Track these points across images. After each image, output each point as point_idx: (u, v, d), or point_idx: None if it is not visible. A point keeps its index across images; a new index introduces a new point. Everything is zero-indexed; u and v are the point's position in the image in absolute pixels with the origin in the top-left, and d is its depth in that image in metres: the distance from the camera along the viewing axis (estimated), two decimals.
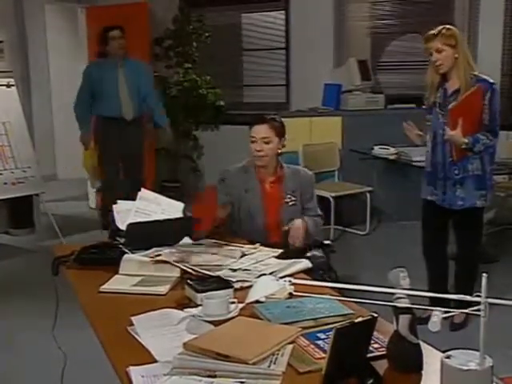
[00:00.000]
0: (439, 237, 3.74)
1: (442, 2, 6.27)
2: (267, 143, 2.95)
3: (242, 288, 2.05)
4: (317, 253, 2.94)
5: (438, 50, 3.32)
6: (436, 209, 3.60)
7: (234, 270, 2.20)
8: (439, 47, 3.32)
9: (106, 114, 5.35)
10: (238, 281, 2.09)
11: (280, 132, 3.01)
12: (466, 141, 3.30)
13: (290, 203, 3.00)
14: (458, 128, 3.27)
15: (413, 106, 5.89)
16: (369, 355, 1.53)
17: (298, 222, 2.88)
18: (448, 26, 3.38)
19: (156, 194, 2.88)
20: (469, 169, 3.44)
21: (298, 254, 2.62)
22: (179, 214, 2.78)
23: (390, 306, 1.50)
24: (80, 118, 5.44)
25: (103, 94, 5.31)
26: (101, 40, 5.35)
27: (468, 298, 1.37)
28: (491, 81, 3.37)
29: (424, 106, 3.62)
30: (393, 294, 1.51)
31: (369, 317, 1.50)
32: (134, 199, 2.72)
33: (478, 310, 1.30)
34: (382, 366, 1.50)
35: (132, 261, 2.28)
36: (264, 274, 2.09)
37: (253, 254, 2.42)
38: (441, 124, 3.44)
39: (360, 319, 1.49)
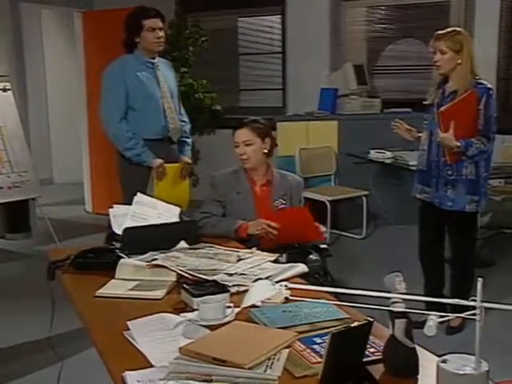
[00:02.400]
0: (435, 238, 3.75)
1: (438, 6, 6.29)
2: (249, 145, 2.98)
3: (238, 292, 2.05)
4: (313, 257, 2.95)
5: (442, 51, 3.36)
6: (430, 208, 3.63)
7: (230, 275, 2.20)
8: (443, 49, 3.35)
9: (147, 136, 3.82)
10: (234, 285, 2.09)
11: (262, 133, 3.03)
12: (458, 144, 3.31)
13: (280, 206, 3.03)
14: (449, 131, 3.29)
15: (409, 110, 5.92)
16: (365, 359, 1.53)
17: None
18: (459, 30, 3.42)
19: (152, 199, 2.88)
20: (463, 172, 3.45)
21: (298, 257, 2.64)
22: (176, 219, 2.78)
23: (385, 310, 1.50)
24: (128, 140, 3.75)
25: (143, 106, 3.80)
26: (131, 28, 3.80)
27: (464, 302, 1.37)
28: (489, 86, 3.40)
29: (425, 102, 3.60)
30: (389, 298, 1.51)
31: (365, 321, 1.50)
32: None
33: (474, 315, 1.30)
34: (377, 371, 1.50)
35: (128, 265, 2.28)
36: (260, 279, 2.09)
37: (249, 258, 2.42)
38: (436, 124, 3.45)
39: (356, 323, 1.49)
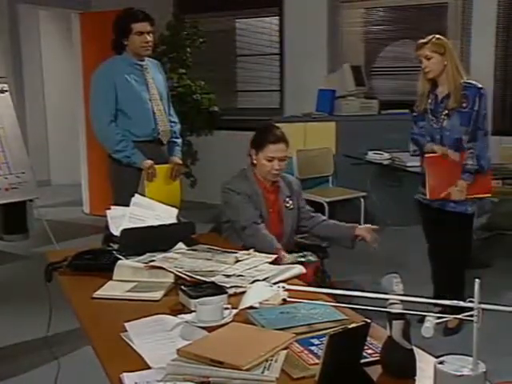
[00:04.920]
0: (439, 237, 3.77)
1: (435, 8, 6.30)
2: (283, 160, 2.98)
3: (235, 294, 2.04)
4: (311, 258, 2.96)
5: (427, 57, 3.46)
6: (425, 208, 3.67)
7: (228, 276, 2.19)
8: (428, 54, 3.46)
9: (137, 138, 3.81)
10: (231, 286, 2.09)
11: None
12: (464, 184, 3.45)
13: (290, 207, 3.09)
14: (446, 192, 3.47)
15: (406, 111, 5.91)
16: (362, 361, 1.53)
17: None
18: (438, 36, 3.53)
19: (150, 200, 2.88)
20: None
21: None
22: (173, 220, 2.78)
23: (383, 311, 1.51)
24: (118, 142, 3.75)
25: (132, 108, 3.79)
26: (119, 31, 3.80)
27: (461, 303, 1.37)
28: (479, 86, 3.47)
29: (414, 113, 3.70)
30: (386, 299, 1.51)
31: (362, 322, 1.50)
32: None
33: (471, 316, 1.30)
34: (375, 372, 1.50)
35: (126, 267, 2.28)
36: (258, 280, 2.09)
37: (247, 259, 2.42)
38: (435, 129, 3.54)
39: (353, 325, 1.49)
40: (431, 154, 3.57)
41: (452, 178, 3.48)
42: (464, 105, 3.43)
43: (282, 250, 2.80)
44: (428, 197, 3.58)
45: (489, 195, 3.65)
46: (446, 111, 3.48)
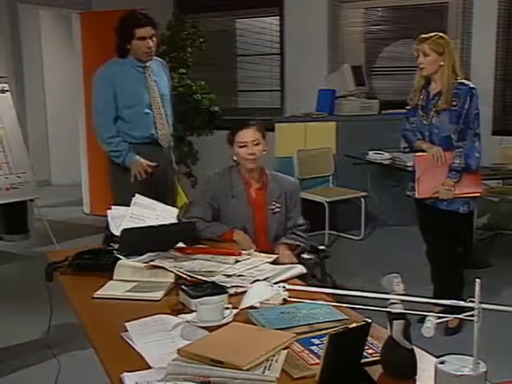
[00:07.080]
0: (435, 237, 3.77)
1: (436, 8, 6.30)
2: (257, 145, 2.94)
3: (236, 294, 2.05)
4: (306, 255, 2.94)
5: (425, 53, 3.47)
6: (422, 206, 3.68)
7: (229, 276, 2.20)
8: (426, 51, 3.46)
9: (135, 140, 3.81)
10: (232, 286, 2.09)
11: (264, 133, 3.02)
12: (453, 182, 3.46)
13: (275, 210, 2.98)
14: (435, 190, 3.49)
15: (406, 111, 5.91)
16: (363, 361, 1.53)
17: (282, 253, 2.85)
18: (441, 35, 3.52)
19: (151, 200, 2.88)
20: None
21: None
22: (174, 220, 2.78)
23: (384, 311, 1.50)
24: (114, 143, 3.77)
25: (132, 111, 3.77)
26: (122, 35, 3.76)
27: (462, 303, 1.37)
28: (472, 86, 3.48)
29: (407, 107, 3.72)
30: (387, 299, 1.51)
31: (363, 322, 1.50)
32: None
33: (472, 316, 1.30)
34: (376, 372, 1.51)
35: (126, 266, 2.28)
36: (258, 280, 2.09)
37: (247, 259, 2.42)
38: (424, 126, 3.57)
39: (354, 325, 1.49)
40: (420, 154, 3.57)
41: (441, 177, 3.48)
42: (454, 103, 3.43)
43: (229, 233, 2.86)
44: (417, 195, 3.58)
45: (479, 194, 3.59)
46: (436, 108, 3.49)
